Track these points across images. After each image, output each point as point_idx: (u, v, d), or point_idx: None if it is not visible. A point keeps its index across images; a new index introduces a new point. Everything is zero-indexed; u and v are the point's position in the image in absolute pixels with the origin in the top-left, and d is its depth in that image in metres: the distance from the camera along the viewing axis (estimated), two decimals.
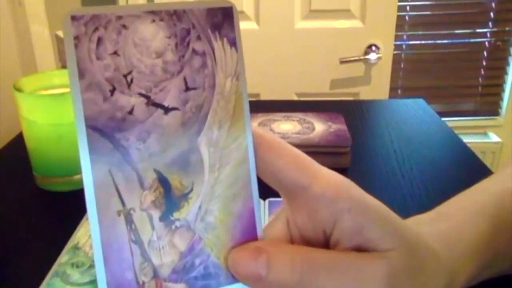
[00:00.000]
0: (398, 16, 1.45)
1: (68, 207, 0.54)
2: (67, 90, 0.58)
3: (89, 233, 0.48)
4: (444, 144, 0.72)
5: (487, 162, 1.77)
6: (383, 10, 1.37)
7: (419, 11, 1.72)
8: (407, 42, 1.75)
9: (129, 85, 0.21)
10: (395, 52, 1.54)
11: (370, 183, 0.60)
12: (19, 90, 0.55)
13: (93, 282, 0.41)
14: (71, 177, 0.57)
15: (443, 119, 0.81)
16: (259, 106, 0.90)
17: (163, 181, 0.22)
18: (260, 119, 0.69)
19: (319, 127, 0.66)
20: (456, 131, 0.76)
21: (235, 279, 0.23)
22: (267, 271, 0.22)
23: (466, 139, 1.76)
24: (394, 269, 0.23)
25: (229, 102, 0.23)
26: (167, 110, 0.22)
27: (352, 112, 0.83)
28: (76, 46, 0.20)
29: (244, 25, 1.38)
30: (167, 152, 0.22)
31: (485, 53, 1.78)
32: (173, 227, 0.22)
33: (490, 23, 1.74)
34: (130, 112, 0.21)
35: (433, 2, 1.70)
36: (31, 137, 0.57)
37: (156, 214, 0.22)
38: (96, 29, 0.20)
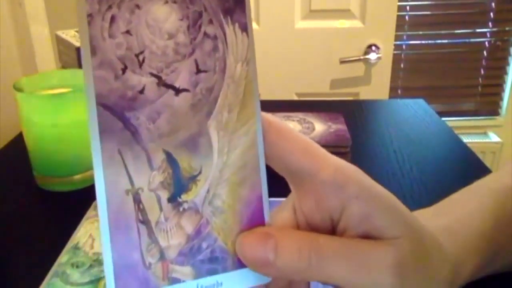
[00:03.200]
0: (398, 16, 1.45)
1: (68, 207, 0.54)
2: (67, 90, 0.58)
3: (89, 233, 0.48)
4: (444, 144, 0.72)
5: (487, 162, 1.77)
6: (383, 10, 1.37)
7: (419, 11, 1.72)
8: (407, 42, 1.75)
9: (140, 64, 0.21)
10: (395, 52, 1.54)
11: None
12: (19, 90, 0.55)
13: (93, 282, 0.41)
14: (71, 177, 0.57)
15: (443, 119, 0.81)
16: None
17: (172, 162, 0.22)
18: None
19: (319, 127, 0.66)
20: (456, 131, 0.76)
21: (241, 265, 0.23)
22: (275, 256, 0.22)
23: (466, 139, 1.76)
24: (401, 257, 0.23)
25: (239, 87, 0.23)
26: (177, 91, 0.22)
27: (352, 112, 0.83)
28: (89, 23, 0.20)
29: None
30: (176, 133, 0.22)
31: (485, 53, 1.78)
32: (180, 209, 0.22)
33: (490, 23, 1.74)
34: (141, 91, 0.21)
35: (433, 2, 1.70)
36: (31, 137, 0.57)
37: (164, 195, 0.22)
38: (110, 7, 0.20)
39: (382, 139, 0.73)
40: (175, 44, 0.22)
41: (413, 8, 1.71)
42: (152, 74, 0.21)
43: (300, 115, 0.71)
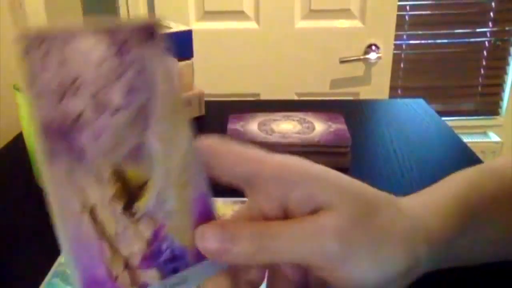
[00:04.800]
0: (398, 16, 1.45)
1: None
2: None
3: None
4: (444, 144, 0.72)
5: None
6: (383, 10, 1.37)
7: (419, 11, 1.72)
8: (407, 42, 1.75)
9: (77, 90, 0.23)
10: (395, 52, 1.54)
11: (370, 183, 0.60)
12: (19, 90, 0.55)
13: None
14: None
15: (443, 119, 0.81)
16: (259, 106, 0.90)
17: (120, 175, 0.24)
18: (260, 119, 0.69)
19: (319, 127, 0.66)
20: (456, 131, 0.76)
21: (200, 259, 0.25)
22: (232, 244, 0.25)
23: (466, 139, 1.75)
24: (342, 219, 0.26)
25: (168, 101, 0.26)
26: (114, 110, 0.24)
27: (352, 112, 0.83)
28: (25, 57, 0.22)
29: (244, 25, 1.38)
30: (119, 148, 0.24)
31: (485, 53, 1.78)
32: (136, 217, 0.24)
33: (490, 23, 1.74)
34: (81, 114, 0.23)
35: (433, 2, 1.70)
36: (31, 137, 0.57)
37: (118, 206, 0.24)
38: (42, 43, 0.22)
39: (382, 139, 0.73)
40: (105, 70, 0.24)
41: (413, 8, 1.71)
42: (88, 98, 0.23)
43: (300, 115, 0.71)
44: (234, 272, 0.28)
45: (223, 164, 0.27)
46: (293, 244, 0.25)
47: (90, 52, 0.24)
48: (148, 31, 0.26)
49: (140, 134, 0.25)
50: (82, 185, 0.23)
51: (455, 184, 0.34)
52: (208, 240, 0.25)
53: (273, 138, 0.63)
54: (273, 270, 0.30)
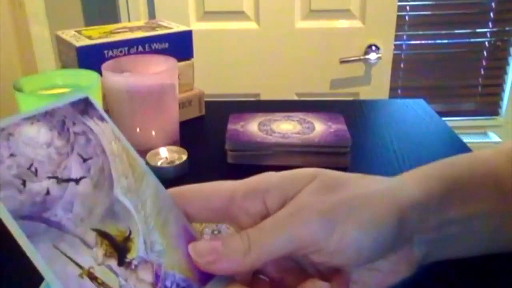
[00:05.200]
0: (398, 16, 1.45)
1: None
2: (67, 90, 0.58)
3: None
4: (444, 144, 0.72)
5: None
6: (383, 10, 1.37)
7: (419, 11, 1.72)
8: (407, 42, 1.75)
9: (35, 173, 0.25)
10: (395, 52, 1.54)
11: None
12: (19, 90, 0.55)
13: None
14: None
15: (443, 119, 0.81)
16: (259, 106, 0.90)
17: (104, 235, 0.25)
18: (260, 119, 0.69)
19: (319, 127, 0.66)
20: (456, 131, 0.76)
21: (205, 282, 0.27)
22: (223, 247, 0.26)
23: (466, 139, 1.75)
24: (315, 193, 0.28)
25: (122, 157, 0.28)
26: (77, 181, 0.26)
27: (352, 112, 0.83)
28: None
29: (244, 25, 1.39)
30: (94, 212, 0.26)
31: (485, 53, 1.78)
32: (132, 266, 0.26)
33: (490, 23, 1.74)
34: (47, 193, 0.24)
35: (433, 2, 1.70)
36: None
37: (113, 262, 0.25)
38: None
39: (382, 139, 0.73)
40: (55, 149, 0.26)
41: (413, 8, 1.71)
42: (49, 177, 0.25)
43: (300, 115, 0.71)
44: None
45: (197, 205, 0.29)
46: (279, 233, 0.26)
47: (34, 139, 0.25)
48: (81, 105, 0.28)
49: (108, 194, 0.26)
50: (72, 254, 0.24)
51: (441, 163, 0.35)
52: (202, 252, 0.27)
53: (273, 138, 0.63)
54: (278, 284, 0.30)
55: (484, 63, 1.79)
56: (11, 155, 0.24)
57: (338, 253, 0.27)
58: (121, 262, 0.25)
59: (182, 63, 0.77)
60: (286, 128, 0.66)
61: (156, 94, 0.61)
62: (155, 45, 0.74)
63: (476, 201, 0.32)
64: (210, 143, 0.71)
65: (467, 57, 1.79)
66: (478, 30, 1.75)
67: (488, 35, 1.75)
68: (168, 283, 0.26)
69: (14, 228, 0.23)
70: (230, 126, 0.67)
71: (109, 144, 0.28)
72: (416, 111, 0.84)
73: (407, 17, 1.72)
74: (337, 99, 1.03)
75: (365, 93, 1.45)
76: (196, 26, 1.38)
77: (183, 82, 0.78)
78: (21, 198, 0.24)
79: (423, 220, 0.30)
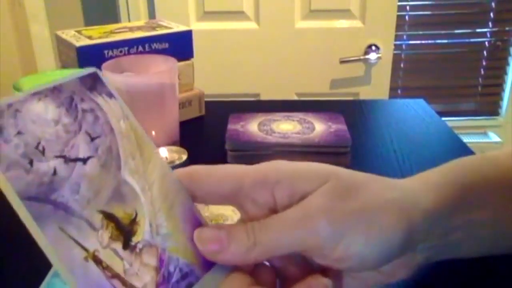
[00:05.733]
0: (398, 16, 1.45)
1: None
2: None
3: None
4: (444, 144, 0.72)
5: None
6: (383, 10, 1.37)
7: (419, 11, 1.72)
8: (407, 42, 1.75)
9: (43, 153, 0.24)
10: (395, 52, 1.54)
11: None
12: (19, 90, 0.55)
13: None
14: None
15: (443, 119, 0.81)
16: (259, 106, 0.90)
17: (110, 217, 0.25)
18: (260, 119, 0.69)
19: (319, 127, 0.66)
20: (456, 131, 0.76)
21: (208, 268, 0.27)
22: (228, 240, 0.26)
23: (466, 139, 1.75)
24: (326, 198, 0.27)
25: (130, 137, 0.27)
26: (84, 160, 0.25)
27: (352, 112, 0.83)
28: None
29: (244, 25, 1.38)
30: (101, 193, 0.25)
31: (485, 53, 1.78)
32: (137, 250, 0.25)
33: (490, 23, 1.74)
34: (54, 173, 0.24)
35: (433, 2, 1.70)
36: None
37: (118, 246, 0.25)
38: None
39: (382, 139, 0.73)
40: (63, 126, 0.25)
41: (413, 8, 1.71)
42: (57, 156, 0.24)
43: (300, 115, 0.71)
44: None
45: (207, 186, 0.29)
46: (285, 233, 0.26)
47: (42, 116, 0.25)
48: (90, 81, 0.27)
49: (116, 175, 0.26)
50: (78, 237, 0.24)
51: (451, 167, 0.34)
52: (206, 240, 0.27)
53: (273, 138, 0.63)
54: (283, 277, 0.30)
55: (484, 63, 1.79)
56: (19, 133, 0.24)
57: (342, 260, 0.27)
58: (126, 245, 0.25)
59: (182, 63, 0.77)
60: (286, 128, 0.66)
61: (156, 94, 0.61)
62: (155, 45, 0.74)
63: (484, 207, 0.32)
64: (210, 143, 0.71)
65: (467, 57, 1.78)
66: (478, 30, 1.75)
67: (488, 35, 1.75)
68: (171, 268, 0.26)
69: (21, 210, 0.22)
70: (230, 126, 0.67)
71: (118, 122, 0.27)
72: (416, 111, 0.84)
73: (407, 17, 1.72)
74: (337, 99, 1.03)
75: (365, 93, 1.45)
76: (196, 26, 1.38)
77: (183, 82, 0.78)
78: (28, 179, 0.23)
79: (430, 229, 0.30)
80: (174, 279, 0.26)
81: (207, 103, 0.83)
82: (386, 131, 0.76)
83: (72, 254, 0.23)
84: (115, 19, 1.41)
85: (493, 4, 1.71)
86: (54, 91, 0.26)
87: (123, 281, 0.24)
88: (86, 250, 0.24)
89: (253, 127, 0.67)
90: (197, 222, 0.28)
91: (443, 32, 1.74)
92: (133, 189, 0.26)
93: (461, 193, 0.31)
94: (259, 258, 0.27)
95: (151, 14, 1.43)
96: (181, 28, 0.78)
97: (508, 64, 1.79)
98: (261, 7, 1.37)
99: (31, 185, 0.23)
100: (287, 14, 1.38)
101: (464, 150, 0.69)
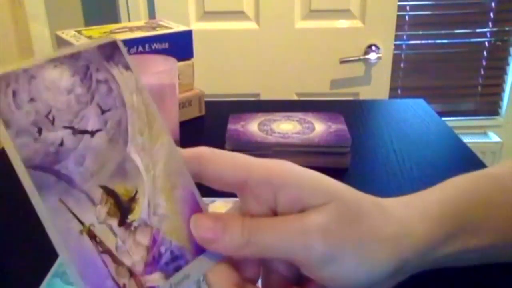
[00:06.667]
0: (398, 16, 1.45)
1: None
2: None
3: None
4: (444, 144, 0.72)
5: (487, 162, 1.76)
6: (383, 10, 1.37)
7: (419, 11, 1.72)
8: (407, 42, 1.75)
9: (52, 122, 0.24)
10: (395, 52, 1.54)
11: (370, 183, 0.60)
12: None
13: None
14: None
15: (443, 119, 0.81)
16: (259, 106, 0.90)
17: (110, 193, 0.25)
18: (260, 119, 0.69)
19: (319, 127, 0.66)
20: (456, 131, 0.76)
21: (198, 253, 0.27)
22: (223, 232, 0.26)
23: (466, 139, 1.75)
24: (328, 219, 0.27)
25: (141, 113, 0.27)
26: (92, 133, 0.25)
27: (352, 112, 0.83)
28: None
29: (244, 25, 1.38)
30: (105, 167, 0.25)
31: (485, 53, 1.78)
32: (132, 228, 0.25)
33: (490, 23, 1.74)
34: (61, 144, 0.24)
35: (433, 2, 1.70)
36: None
37: (114, 222, 0.25)
38: (8, 85, 0.23)
39: (382, 139, 0.73)
40: (75, 96, 0.25)
41: (413, 8, 1.71)
42: (65, 127, 0.24)
43: (300, 115, 0.71)
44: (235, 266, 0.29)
45: (213, 172, 0.28)
46: (279, 240, 0.26)
47: (56, 84, 0.24)
48: (108, 50, 0.27)
49: (121, 150, 0.26)
50: (76, 210, 0.24)
51: (448, 190, 0.34)
52: (202, 228, 0.27)
53: (273, 138, 0.63)
54: (267, 266, 0.30)
55: (484, 63, 1.79)
56: (31, 100, 0.24)
57: (328, 279, 0.27)
58: (122, 222, 0.25)
59: (182, 63, 0.77)
60: (286, 128, 0.66)
61: (156, 94, 0.61)
62: (155, 45, 0.74)
63: (481, 234, 0.33)
64: (210, 143, 0.70)
65: (467, 57, 1.78)
66: (478, 30, 1.75)
67: (488, 35, 1.75)
68: (162, 250, 0.26)
69: (25, 178, 0.23)
70: (230, 126, 0.67)
71: (130, 95, 0.27)
72: (416, 111, 0.84)
73: (407, 17, 1.72)
74: (337, 99, 1.03)
75: (365, 93, 1.45)
76: (196, 26, 1.38)
77: (183, 82, 0.78)
78: (35, 147, 0.23)
79: (422, 259, 0.30)
80: (163, 260, 0.26)
81: (207, 103, 0.83)
82: (386, 131, 0.76)
83: (69, 227, 0.23)
84: (115, 19, 1.41)
85: (493, 4, 1.71)
86: (71, 58, 0.25)
87: (114, 257, 0.25)
88: (82, 224, 0.24)
89: (253, 127, 0.67)
90: (196, 207, 0.28)
91: (443, 32, 1.74)
92: (136, 166, 0.26)
93: (459, 222, 0.32)
94: (249, 256, 0.27)
95: (151, 14, 1.43)
96: (181, 28, 0.78)
97: (508, 64, 1.79)
98: (261, 7, 1.37)
99: (37, 154, 0.23)
100: (287, 14, 1.38)
101: (464, 150, 0.69)
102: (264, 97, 1.45)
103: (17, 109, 0.23)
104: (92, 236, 0.24)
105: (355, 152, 0.65)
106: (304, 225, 0.26)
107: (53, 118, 0.24)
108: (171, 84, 0.63)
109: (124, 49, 0.27)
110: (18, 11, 0.86)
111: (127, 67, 0.27)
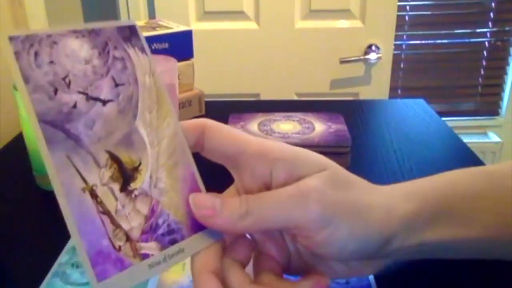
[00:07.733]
0: (398, 16, 1.45)
1: None
2: None
3: None
4: (444, 144, 0.72)
5: (487, 162, 1.77)
6: (383, 10, 1.37)
7: (419, 11, 1.72)
8: (407, 42, 1.75)
9: (68, 85, 0.26)
10: (395, 52, 1.54)
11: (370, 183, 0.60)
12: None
13: None
14: None
15: (443, 119, 0.81)
16: (259, 106, 0.90)
17: (115, 159, 0.26)
18: (260, 119, 0.69)
19: (319, 127, 0.66)
20: (456, 131, 0.76)
21: (195, 231, 0.28)
22: (221, 207, 0.27)
23: (466, 139, 1.75)
24: (324, 183, 0.28)
25: (152, 92, 0.29)
26: (104, 102, 0.27)
27: (352, 112, 0.83)
28: (17, 59, 0.24)
29: (244, 25, 1.38)
30: (112, 135, 0.26)
31: (485, 53, 1.78)
32: (133, 195, 0.27)
33: (490, 23, 1.74)
34: (74, 106, 0.26)
35: (433, 2, 1.70)
36: (31, 137, 0.57)
37: (116, 186, 0.26)
38: (32, 45, 0.25)
39: (382, 139, 0.73)
40: (92, 67, 0.27)
41: (413, 8, 1.71)
42: (80, 92, 0.26)
43: (300, 115, 0.71)
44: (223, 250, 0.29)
45: (213, 142, 0.30)
46: (277, 208, 0.27)
47: (76, 53, 0.26)
48: (126, 32, 0.28)
49: (130, 123, 0.27)
50: (81, 168, 0.25)
51: (438, 179, 0.35)
52: (201, 204, 0.28)
53: (273, 138, 0.63)
54: (258, 251, 0.31)
55: (484, 63, 1.79)
56: (51, 62, 0.25)
57: (323, 245, 0.28)
58: (124, 188, 0.26)
59: (182, 63, 0.77)
60: (286, 128, 0.66)
61: None
62: (155, 45, 0.74)
63: (468, 227, 0.33)
64: None
65: (467, 57, 1.78)
66: (478, 30, 1.75)
67: (488, 35, 1.75)
68: (160, 221, 0.27)
69: (37, 130, 0.24)
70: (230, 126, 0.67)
71: (143, 76, 0.28)
72: (416, 111, 0.84)
73: (407, 17, 1.72)
74: (337, 99, 1.03)
75: (365, 93, 1.45)
76: (196, 26, 1.38)
77: (183, 82, 0.78)
78: (49, 105, 0.25)
79: (408, 236, 0.30)
80: (160, 231, 0.27)
81: (207, 103, 0.83)
82: (386, 131, 0.76)
83: (72, 182, 0.24)
84: (115, 19, 1.41)
85: (493, 4, 1.71)
86: (92, 33, 0.27)
87: (112, 219, 0.25)
88: (85, 182, 0.25)
89: (253, 127, 0.67)
90: (195, 187, 0.29)
91: (443, 32, 1.74)
92: (143, 139, 0.27)
93: (444, 209, 0.32)
94: (249, 228, 0.28)
95: (151, 14, 1.43)
96: (181, 28, 0.78)
97: (508, 64, 1.79)
98: (261, 7, 1.37)
99: (50, 110, 0.25)
100: (287, 14, 1.38)
101: (464, 150, 0.69)
102: (264, 97, 1.45)
103: (37, 68, 0.25)
104: (94, 195, 0.25)
105: (355, 152, 0.65)
106: (300, 190, 0.27)
107: (69, 82, 0.26)
108: (171, 84, 0.63)
109: (141, 34, 0.29)
110: (18, 11, 0.86)
111: (143, 50, 0.29)
